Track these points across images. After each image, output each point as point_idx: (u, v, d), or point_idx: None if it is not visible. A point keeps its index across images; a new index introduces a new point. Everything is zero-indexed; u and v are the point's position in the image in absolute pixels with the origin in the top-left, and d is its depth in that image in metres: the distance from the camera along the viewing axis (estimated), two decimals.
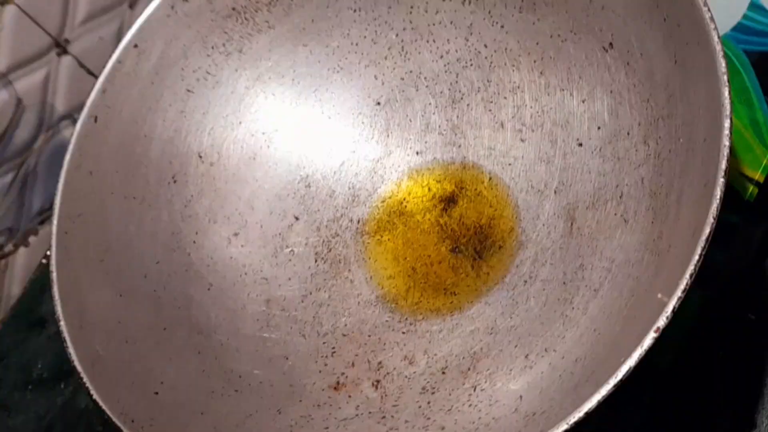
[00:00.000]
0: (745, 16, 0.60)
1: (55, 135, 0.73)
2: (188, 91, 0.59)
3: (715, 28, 0.42)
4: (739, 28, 0.60)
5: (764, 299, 0.59)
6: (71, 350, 0.49)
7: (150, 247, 0.56)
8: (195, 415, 0.50)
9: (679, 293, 0.38)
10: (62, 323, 0.50)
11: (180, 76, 0.59)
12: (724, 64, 0.41)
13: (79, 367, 0.48)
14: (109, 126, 0.56)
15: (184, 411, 0.50)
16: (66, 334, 0.49)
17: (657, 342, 0.38)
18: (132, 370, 0.51)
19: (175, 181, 0.58)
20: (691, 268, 0.38)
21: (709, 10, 0.43)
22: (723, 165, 0.39)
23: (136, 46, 0.57)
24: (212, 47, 0.60)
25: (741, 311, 0.59)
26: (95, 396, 0.47)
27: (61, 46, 0.70)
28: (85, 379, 0.48)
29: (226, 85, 0.60)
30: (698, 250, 0.38)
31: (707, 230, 0.38)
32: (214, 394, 0.51)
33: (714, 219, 0.39)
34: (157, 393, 0.50)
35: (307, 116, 0.62)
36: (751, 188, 0.56)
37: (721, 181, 0.39)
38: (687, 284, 0.38)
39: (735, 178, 0.57)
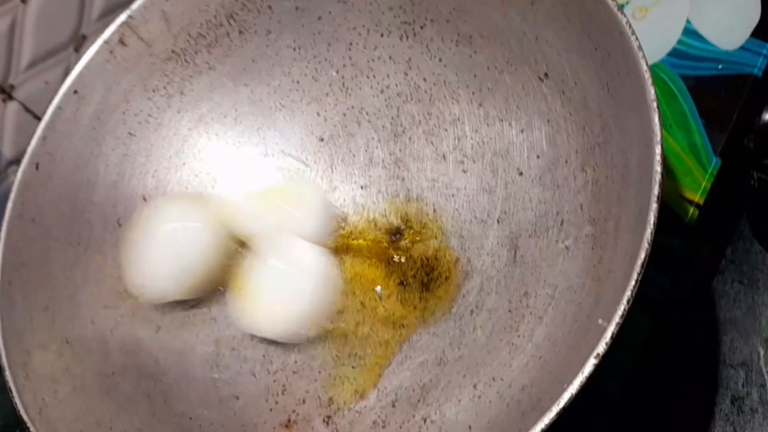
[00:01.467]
0: (680, 42, 0.61)
1: (3, 181, 0.72)
2: (130, 134, 0.59)
3: (644, 57, 0.43)
4: (674, 53, 0.61)
5: (712, 319, 0.59)
6: (17, 400, 0.48)
7: (96, 292, 0.56)
8: None
9: (617, 318, 0.38)
10: (7, 373, 0.49)
11: (122, 120, 0.59)
12: (653, 92, 0.42)
13: (25, 417, 0.48)
14: (51, 173, 0.56)
15: None
16: (11, 384, 0.49)
17: (604, 369, 0.38)
18: (80, 417, 0.50)
19: (120, 225, 0.58)
20: (627, 294, 0.38)
21: (637, 39, 0.44)
22: (656, 191, 0.40)
23: (76, 92, 0.57)
24: (153, 90, 0.60)
25: (690, 333, 0.59)
26: None
27: (6, 92, 0.70)
28: (32, 429, 0.47)
29: (168, 127, 0.60)
30: (634, 276, 0.39)
31: (642, 255, 0.39)
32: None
33: (648, 244, 0.39)
34: None
35: (251, 155, 0.62)
36: (692, 210, 0.57)
37: (654, 206, 0.40)
38: (625, 309, 0.38)
39: (676, 201, 0.57)
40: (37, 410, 0.48)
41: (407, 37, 0.58)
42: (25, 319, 0.52)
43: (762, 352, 0.57)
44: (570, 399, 0.38)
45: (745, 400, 0.56)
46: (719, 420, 0.56)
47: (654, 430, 0.57)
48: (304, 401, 0.53)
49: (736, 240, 0.61)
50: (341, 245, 0.58)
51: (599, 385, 0.38)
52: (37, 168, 0.56)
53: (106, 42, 0.58)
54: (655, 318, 0.57)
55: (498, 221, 0.54)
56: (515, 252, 0.53)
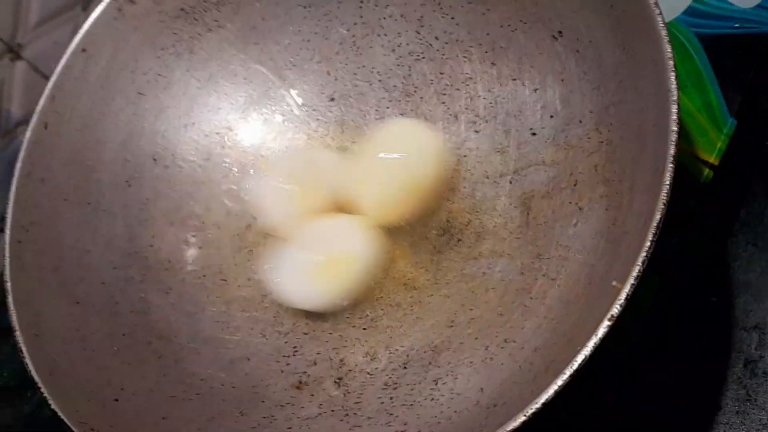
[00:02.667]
0: None
1: (13, 141, 0.72)
2: (139, 93, 0.59)
3: (660, 14, 0.43)
4: (690, 11, 0.60)
5: (726, 282, 0.59)
6: (28, 360, 0.48)
7: (106, 252, 0.56)
8: (156, 421, 0.49)
9: (631, 280, 0.38)
10: (18, 333, 0.49)
11: (130, 79, 0.58)
12: (669, 50, 0.41)
13: (36, 378, 0.48)
14: (60, 132, 0.56)
15: (145, 417, 0.49)
16: (22, 345, 0.49)
17: (615, 330, 0.38)
18: (91, 377, 0.50)
19: (129, 185, 0.58)
20: (642, 255, 0.38)
21: None
22: (672, 151, 0.40)
23: (84, 50, 0.57)
24: (162, 48, 0.59)
25: (703, 295, 0.59)
26: (54, 406, 0.47)
27: (14, 51, 0.70)
28: (43, 390, 0.47)
29: (177, 85, 0.60)
30: (649, 237, 0.38)
31: (657, 216, 0.38)
32: (176, 398, 0.51)
33: (664, 205, 0.39)
34: (117, 400, 0.50)
35: (260, 115, 0.61)
36: (707, 171, 0.56)
37: (670, 167, 0.39)
38: (639, 271, 0.38)
39: (690, 162, 0.57)
40: (48, 371, 0.48)
41: None
42: (35, 280, 0.52)
43: None
44: (583, 361, 0.38)
45: (758, 363, 0.56)
46: (732, 383, 0.56)
47: (664, 393, 0.57)
48: (315, 363, 0.53)
49: (751, 202, 0.60)
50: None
51: (609, 345, 0.38)
52: (45, 127, 0.55)
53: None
54: (666, 279, 0.57)
55: (510, 182, 0.54)
56: (528, 213, 0.52)
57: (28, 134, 0.55)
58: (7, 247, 0.52)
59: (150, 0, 0.58)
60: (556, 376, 0.38)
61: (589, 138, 0.50)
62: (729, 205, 0.60)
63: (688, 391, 0.56)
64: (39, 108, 0.55)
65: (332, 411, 0.50)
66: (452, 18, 0.57)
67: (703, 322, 0.58)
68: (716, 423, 0.55)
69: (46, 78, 0.57)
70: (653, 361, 0.57)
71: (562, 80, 0.52)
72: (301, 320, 0.55)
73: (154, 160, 0.59)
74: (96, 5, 0.57)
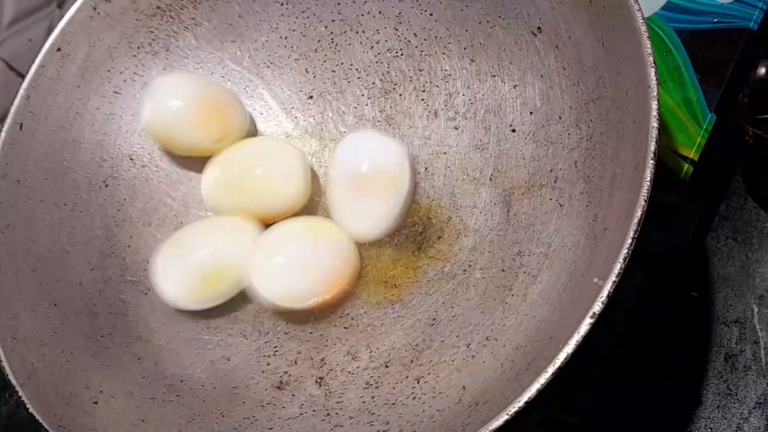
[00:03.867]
0: None
1: None
2: (116, 92, 0.58)
3: (639, 10, 0.43)
4: (669, 6, 0.60)
5: (706, 276, 0.59)
6: (5, 364, 0.48)
7: (83, 254, 0.55)
8: (136, 423, 0.49)
9: (613, 277, 0.38)
10: None
11: (107, 78, 0.58)
12: (648, 46, 0.42)
13: (13, 381, 0.48)
14: (36, 133, 0.55)
15: (125, 420, 0.49)
16: None
17: (597, 326, 0.38)
18: (69, 380, 0.50)
19: (106, 185, 0.58)
20: (624, 252, 0.38)
21: None
22: (652, 147, 0.40)
23: (59, 49, 0.56)
24: (138, 47, 0.59)
25: (683, 290, 0.59)
26: (32, 410, 0.46)
27: None
28: (20, 393, 0.47)
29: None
30: (630, 234, 0.38)
31: (638, 213, 0.38)
32: (155, 400, 0.51)
33: (645, 202, 0.39)
34: (96, 402, 0.49)
35: None
36: (686, 167, 0.56)
37: (650, 163, 0.39)
38: (621, 268, 0.38)
39: (670, 157, 0.57)
40: (26, 374, 0.48)
41: None
42: (12, 282, 0.52)
43: (756, 310, 0.57)
44: (566, 359, 0.38)
45: (738, 357, 0.56)
46: (712, 377, 0.56)
47: (647, 386, 0.57)
48: (296, 362, 0.53)
49: (730, 196, 0.61)
50: None
51: (591, 339, 0.38)
52: (20, 128, 0.55)
53: None
54: (648, 274, 0.57)
55: (491, 179, 0.54)
56: (508, 210, 0.52)
57: (3, 135, 0.54)
58: None
59: None
60: (538, 374, 0.38)
61: (569, 134, 0.50)
62: (709, 200, 0.60)
63: (670, 385, 0.57)
64: (14, 109, 0.55)
65: (313, 411, 0.50)
66: (430, 14, 0.57)
67: (683, 317, 0.58)
68: (697, 417, 0.56)
69: (22, 76, 0.57)
70: (635, 355, 0.57)
71: (542, 76, 0.52)
72: (282, 320, 0.55)
73: (131, 159, 0.59)
74: (72, 3, 0.57)
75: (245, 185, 0.55)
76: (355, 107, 0.59)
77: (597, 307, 0.38)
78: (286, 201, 0.55)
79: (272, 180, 0.55)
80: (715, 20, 0.59)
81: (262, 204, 0.55)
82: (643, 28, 0.42)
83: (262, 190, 0.55)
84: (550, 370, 0.38)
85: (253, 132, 0.59)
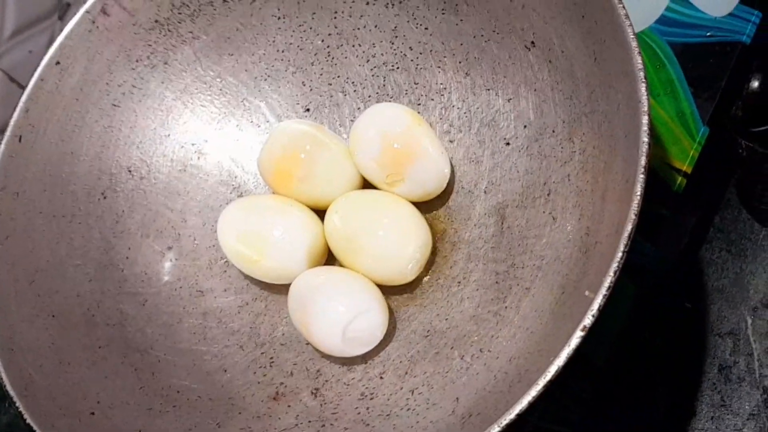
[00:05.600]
0: (668, 8, 0.61)
1: None
2: (114, 105, 0.59)
3: (630, 25, 0.43)
4: (662, 20, 0.60)
5: (700, 288, 0.59)
6: (3, 375, 0.48)
7: (82, 265, 0.56)
8: None
9: (604, 291, 0.38)
10: None
11: (105, 91, 0.58)
12: (640, 61, 0.42)
13: (11, 392, 0.48)
14: (34, 145, 0.56)
15: (122, 430, 0.49)
16: None
17: (591, 338, 0.38)
18: (67, 391, 0.50)
19: (105, 197, 0.58)
20: (614, 266, 0.38)
21: (624, 7, 0.43)
22: (643, 162, 0.40)
23: (58, 63, 0.56)
24: (137, 60, 0.59)
25: (677, 301, 0.59)
26: (29, 420, 0.46)
27: None
28: (18, 404, 0.47)
29: (152, 97, 0.60)
30: (621, 247, 0.39)
31: (629, 227, 0.39)
32: (152, 411, 0.51)
33: (635, 216, 0.39)
34: (93, 413, 0.50)
35: (236, 125, 0.61)
36: (680, 179, 0.57)
37: (641, 177, 0.40)
38: (611, 282, 0.38)
39: (663, 169, 0.57)
40: (23, 385, 0.48)
41: (393, 5, 0.58)
42: (10, 294, 0.52)
43: (749, 321, 0.57)
44: (557, 371, 0.38)
45: (732, 368, 0.56)
46: (706, 389, 0.56)
47: (640, 397, 0.57)
48: (291, 374, 0.53)
49: (724, 208, 0.61)
50: None
51: (585, 351, 0.38)
52: (20, 140, 0.55)
53: (87, 12, 0.57)
54: (642, 285, 0.57)
55: (485, 192, 0.54)
56: (502, 223, 0.52)
57: (2, 147, 0.54)
58: None
59: (124, 12, 0.58)
60: (530, 386, 0.38)
61: (562, 148, 0.50)
62: (702, 213, 0.60)
63: (663, 397, 0.57)
64: (13, 121, 0.55)
65: (309, 422, 0.50)
66: (426, 28, 0.57)
67: (677, 328, 0.59)
68: (691, 429, 0.56)
69: (23, 88, 0.57)
70: (629, 367, 0.58)
71: (535, 90, 0.52)
72: (278, 330, 0.55)
73: (130, 171, 0.59)
74: (72, 15, 0.57)
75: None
76: (352, 120, 0.59)
77: (588, 320, 0.38)
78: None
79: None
80: (709, 34, 0.59)
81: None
82: (634, 44, 0.42)
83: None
84: (542, 382, 0.38)
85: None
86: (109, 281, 0.56)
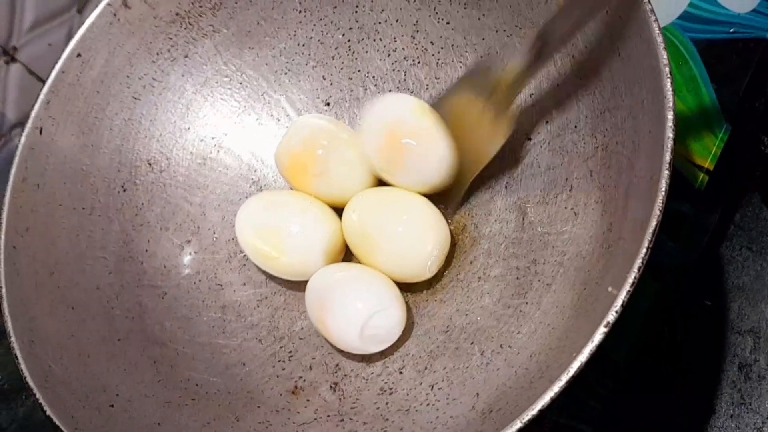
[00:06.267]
0: (691, 4, 0.60)
1: (7, 144, 0.72)
2: (135, 98, 0.59)
3: (656, 20, 0.43)
4: (685, 16, 0.60)
5: (720, 286, 0.59)
6: (23, 366, 0.48)
7: (101, 258, 0.56)
8: (151, 427, 0.49)
9: (627, 287, 0.38)
10: (13, 339, 0.49)
11: (126, 84, 0.58)
12: (665, 57, 0.42)
13: (31, 383, 0.48)
14: (55, 137, 0.56)
15: (140, 423, 0.49)
16: (17, 350, 0.49)
17: (611, 334, 0.38)
18: (86, 383, 0.50)
19: (124, 190, 0.58)
20: (638, 262, 0.38)
21: (649, 2, 0.43)
22: (667, 158, 0.40)
23: (79, 55, 0.56)
24: (157, 53, 0.59)
25: (697, 299, 0.59)
26: (49, 412, 0.47)
27: (8, 54, 0.69)
28: (38, 395, 0.47)
29: (173, 90, 0.60)
30: (645, 244, 0.38)
31: (653, 223, 0.38)
32: (171, 404, 0.51)
33: (660, 212, 0.39)
34: (112, 406, 0.50)
35: (256, 119, 0.61)
36: (702, 176, 0.57)
37: (665, 173, 0.39)
38: (635, 278, 0.38)
39: (685, 166, 0.57)
40: (43, 377, 0.48)
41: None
42: (30, 285, 0.52)
43: None
44: (579, 368, 0.38)
45: (752, 366, 0.56)
46: (726, 386, 0.56)
47: (660, 395, 0.57)
48: (310, 368, 0.53)
49: (745, 206, 0.61)
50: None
51: (605, 347, 0.38)
52: (40, 132, 0.55)
53: (109, 4, 0.57)
54: (662, 282, 0.57)
55: (506, 187, 0.54)
56: (523, 218, 0.52)
57: (23, 139, 0.55)
58: (2, 252, 0.52)
59: (145, 5, 0.58)
60: (552, 382, 0.38)
61: (584, 143, 0.50)
62: (724, 210, 0.60)
63: (683, 394, 0.57)
64: (34, 113, 0.55)
65: (328, 416, 0.50)
66: (448, 23, 0.57)
67: (697, 326, 0.58)
68: (710, 426, 0.56)
69: (42, 81, 0.57)
70: (648, 364, 0.57)
71: (558, 85, 0.52)
72: (297, 324, 0.55)
73: (150, 164, 0.59)
74: (91, 9, 0.57)
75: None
76: None
77: (611, 316, 0.38)
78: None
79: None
80: (732, 30, 0.59)
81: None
82: (660, 39, 0.42)
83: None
84: (564, 378, 0.38)
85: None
86: (129, 274, 0.56)
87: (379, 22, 0.59)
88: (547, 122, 0.52)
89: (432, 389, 0.49)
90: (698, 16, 0.60)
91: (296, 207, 0.55)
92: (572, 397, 0.54)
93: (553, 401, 0.38)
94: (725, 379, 0.56)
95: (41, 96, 0.55)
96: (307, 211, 0.54)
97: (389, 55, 0.59)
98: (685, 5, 0.60)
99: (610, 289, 0.40)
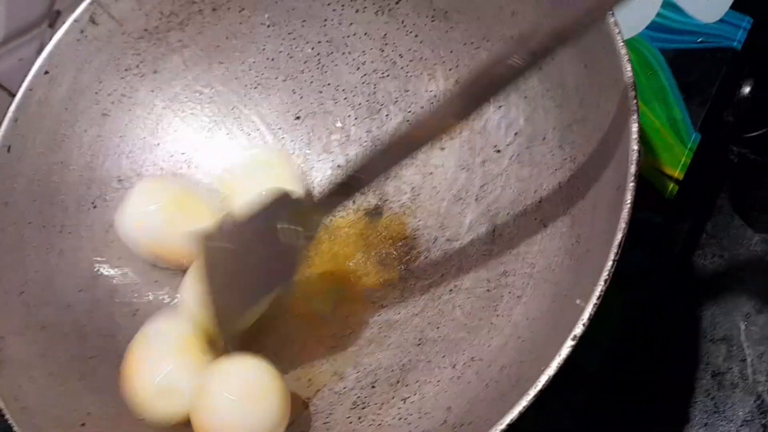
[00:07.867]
0: (659, 15, 0.60)
1: None
2: (104, 114, 0.58)
3: (620, 33, 0.43)
4: (653, 26, 0.60)
5: (693, 294, 0.59)
6: None
7: (72, 276, 0.55)
8: None
9: (594, 299, 0.38)
10: None
11: (94, 100, 0.58)
12: (629, 69, 0.42)
13: (1, 404, 0.47)
14: (24, 155, 0.55)
15: None
16: None
17: (583, 345, 0.38)
18: (58, 403, 0.50)
19: (95, 207, 0.58)
20: (605, 275, 0.38)
21: (613, 15, 0.43)
22: (632, 170, 0.40)
23: (47, 72, 0.56)
24: (126, 69, 0.59)
25: (670, 307, 0.59)
26: None
27: None
28: (8, 416, 0.47)
29: (142, 106, 0.60)
30: (611, 256, 0.39)
31: (619, 236, 0.39)
32: (143, 422, 0.51)
33: (626, 224, 0.39)
34: (84, 425, 0.49)
35: (226, 134, 0.61)
36: (672, 186, 0.57)
37: (631, 185, 0.40)
38: (602, 291, 0.38)
39: (655, 176, 0.57)
40: (13, 397, 0.48)
41: (382, 13, 0.58)
42: None
43: (743, 327, 0.57)
44: (548, 381, 0.38)
45: (726, 375, 0.56)
46: (700, 395, 0.56)
47: (633, 405, 0.57)
48: None
49: (717, 215, 0.61)
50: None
51: (577, 358, 0.38)
52: (8, 150, 0.55)
53: (76, 21, 0.57)
54: (634, 292, 0.57)
55: (476, 199, 0.54)
56: (494, 230, 0.52)
57: None
58: None
59: (113, 21, 0.57)
60: (521, 395, 0.38)
61: (552, 155, 0.50)
62: (695, 219, 0.60)
63: (657, 403, 0.57)
64: (2, 132, 0.55)
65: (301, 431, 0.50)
66: (416, 36, 0.57)
67: (670, 335, 0.59)
68: None
69: (12, 95, 0.56)
70: (621, 374, 0.58)
71: (526, 98, 0.52)
72: (269, 339, 0.55)
73: (120, 181, 0.59)
74: (63, 23, 0.57)
75: None
76: (342, 128, 0.59)
77: (578, 329, 0.38)
78: None
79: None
80: (700, 40, 0.59)
81: None
82: (624, 52, 0.42)
83: None
84: (532, 392, 0.38)
85: None
86: (101, 291, 0.56)
87: (348, 36, 0.59)
88: (515, 134, 0.53)
89: (404, 402, 0.49)
90: (666, 26, 0.60)
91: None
92: (546, 408, 0.54)
93: (523, 414, 0.38)
94: (699, 387, 0.56)
95: (9, 114, 0.55)
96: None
97: (358, 68, 0.59)
98: (653, 15, 0.60)
99: (578, 301, 0.40)
